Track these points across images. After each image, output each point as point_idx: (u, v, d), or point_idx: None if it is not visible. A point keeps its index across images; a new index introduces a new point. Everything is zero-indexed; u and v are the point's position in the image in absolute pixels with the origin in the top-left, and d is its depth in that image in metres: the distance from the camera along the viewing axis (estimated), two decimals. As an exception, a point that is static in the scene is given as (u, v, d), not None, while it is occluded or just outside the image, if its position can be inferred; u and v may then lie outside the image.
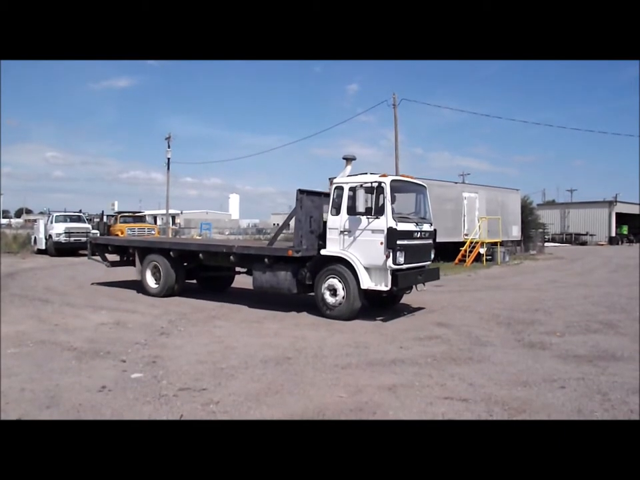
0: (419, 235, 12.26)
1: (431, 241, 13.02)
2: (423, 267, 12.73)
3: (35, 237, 34.74)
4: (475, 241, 27.71)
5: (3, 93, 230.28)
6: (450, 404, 6.25)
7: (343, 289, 11.69)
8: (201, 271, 16.09)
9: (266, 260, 12.72)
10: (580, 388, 6.87)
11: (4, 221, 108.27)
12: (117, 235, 31.65)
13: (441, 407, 6.15)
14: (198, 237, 36.18)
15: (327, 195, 12.63)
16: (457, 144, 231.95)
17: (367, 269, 11.56)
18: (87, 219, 37.80)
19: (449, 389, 6.85)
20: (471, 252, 27.17)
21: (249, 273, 14.43)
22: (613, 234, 69.93)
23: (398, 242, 11.20)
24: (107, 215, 39.49)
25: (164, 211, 62.72)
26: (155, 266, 15.33)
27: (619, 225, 71.53)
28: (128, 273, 17.36)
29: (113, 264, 17.62)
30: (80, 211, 38.70)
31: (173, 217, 69.78)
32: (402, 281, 11.44)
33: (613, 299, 15.34)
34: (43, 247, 32.15)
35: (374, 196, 11.84)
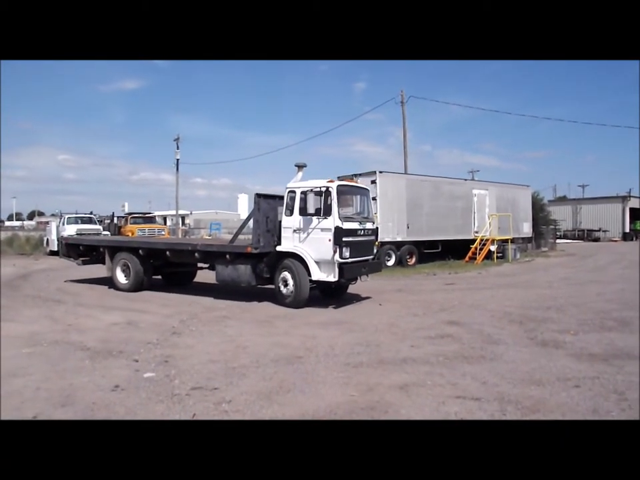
0: (362, 233, 13.94)
1: (373, 238, 14.84)
2: (367, 260, 14.26)
3: (47, 239, 34.95)
4: (485, 238, 27.59)
5: (15, 97, 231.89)
6: (462, 403, 6.21)
7: (292, 280, 13.25)
8: (167, 267, 17.41)
9: (227, 256, 14.24)
10: (595, 387, 6.78)
11: (17, 223, 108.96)
12: (128, 235, 31.73)
13: (453, 406, 6.12)
14: (208, 237, 36.18)
15: (282, 197, 13.97)
16: (466, 141, 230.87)
17: (317, 262, 13.17)
18: (98, 221, 37.97)
19: (461, 387, 6.81)
20: (481, 249, 27.07)
21: (211, 268, 15.70)
22: (627, 230, 69.13)
23: (344, 239, 12.84)
24: (118, 216, 39.64)
25: (173, 212, 62.94)
26: (124, 263, 16.55)
27: (632, 220, 70.49)
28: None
29: (84, 262, 18.43)
30: (91, 213, 38.89)
31: (183, 218, 69.94)
32: (347, 272, 13.17)
33: (627, 295, 15.13)
34: (55, 249, 32.33)
35: (322, 199, 12.93)
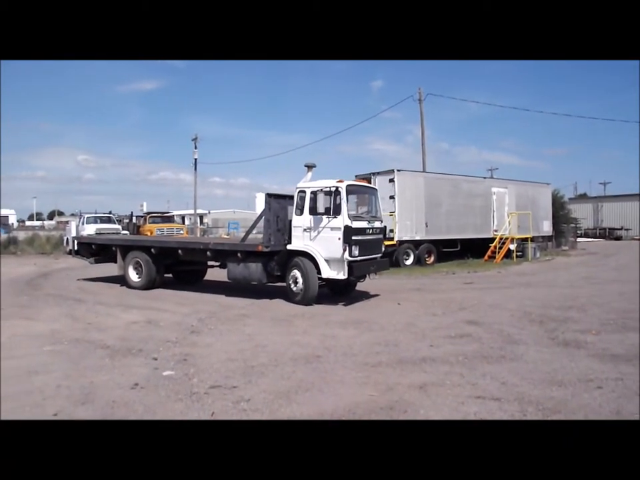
0: (370, 231, 14.27)
1: (381, 236, 15.13)
2: (375, 258, 14.57)
3: (67, 238, 35.21)
4: (504, 236, 27.39)
5: (35, 98, 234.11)
6: (482, 403, 6.17)
7: (302, 278, 13.51)
8: (178, 266, 17.58)
9: (239, 254, 14.50)
10: (618, 389, 6.68)
11: (37, 223, 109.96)
12: (147, 235, 31.90)
13: (473, 406, 6.08)
14: (226, 236, 36.30)
15: (292, 197, 14.36)
16: (484, 138, 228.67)
17: (327, 260, 13.48)
18: (117, 220, 38.23)
19: (480, 388, 6.76)
20: (500, 248, 26.89)
21: (221, 266, 16.24)
22: (650, 227, 68.02)
23: (353, 237, 13.14)
24: (136, 216, 39.88)
25: (192, 211, 63.24)
26: (136, 262, 16.83)
27: (656, 218, 69.40)
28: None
29: (97, 261, 18.81)
30: (110, 212, 39.17)
31: (201, 217, 70.14)
32: (357, 270, 13.50)
33: (649, 295, 14.87)
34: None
35: (332, 198, 13.26)
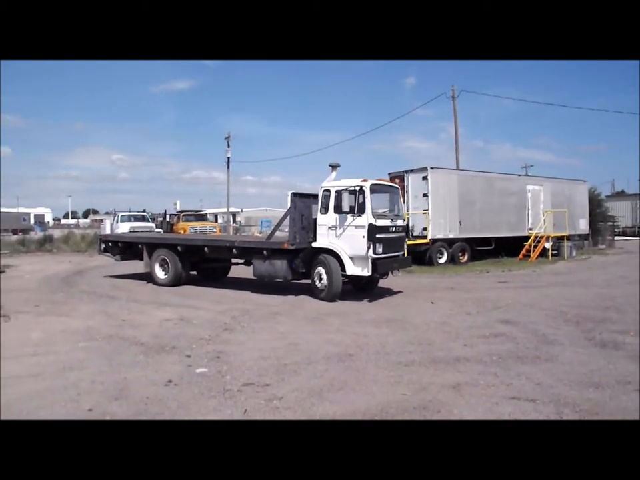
0: (393, 230, 14.62)
1: (403, 234, 15.64)
2: (397, 255, 15.01)
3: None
4: (539, 235, 27.01)
5: (69, 99, 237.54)
6: (517, 404, 6.09)
7: (327, 275, 13.88)
8: (203, 263, 17.90)
9: (264, 252, 14.88)
10: (656, 390, 6.54)
11: (72, 221, 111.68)
12: (180, 233, 32.16)
13: (507, 407, 6.01)
14: (258, 234, 36.46)
15: (316, 196, 14.76)
16: (519, 135, 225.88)
17: (351, 258, 13.84)
18: (151, 218, 38.69)
19: (515, 388, 6.68)
20: (535, 247, 26.51)
21: (246, 264, 16.91)
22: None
23: (377, 235, 13.50)
24: (170, 214, 40.22)
25: (224, 209, 63.58)
26: (163, 259, 17.22)
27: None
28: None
29: (122, 258, 19.16)
30: (144, 211, 39.75)
31: (234, 215, 70.49)
32: (380, 267, 13.82)
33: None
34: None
35: (356, 197, 13.59)
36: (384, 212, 14.74)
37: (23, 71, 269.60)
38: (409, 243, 22.37)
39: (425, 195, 23.60)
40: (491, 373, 7.32)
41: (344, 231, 13.88)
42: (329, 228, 14.14)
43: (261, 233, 51.02)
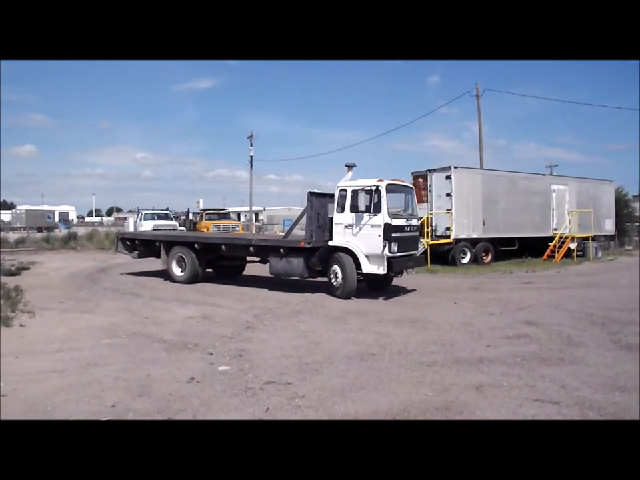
0: (408, 229, 14.88)
1: (418, 233, 15.92)
2: (412, 254, 15.18)
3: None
4: (564, 235, 26.72)
5: (95, 98, 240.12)
6: (540, 406, 6.03)
7: (342, 273, 14.13)
8: (219, 261, 18.16)
9: (281, 250, 15.09)
10: (683, 394, 6.42)
11: (96, 219, 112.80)
12: (203, 231, 32.30)
13: (531, 409, 5.95)
14: (281, 233, 36.59)
15: (332, 195, 15.10)
16: (543, 134, 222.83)
17: (367, 256, 14.07)
18: (174, 217, 38.84)
19: (539, 390, 6.61)
20: (560, 247, 26.24)
21: (262, 262, 17.02)
22: None
23: (392, 234, 13.75)
24: (193, 213, 40.41)
25: (247, 208, 63.79)
26: (180, 257, 17.42)
27: None
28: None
29: (139, 256, 19.36)
30: (167, 209, 39.94)
31: (256, 214, 70.72)
32: (396, 265, 14.11)
33: None
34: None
35: (372, 197, 13.86)
36: (399, 211, 14.97)
37: (49, 70, 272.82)
38: (432, 242, 22.37)
39: (449, 195, 23.49)
40: (514, 375, 7.26)
41: (360, 229, 14.16)
42: (345, 227, 14.41)
43: (283, 231, 51.23)
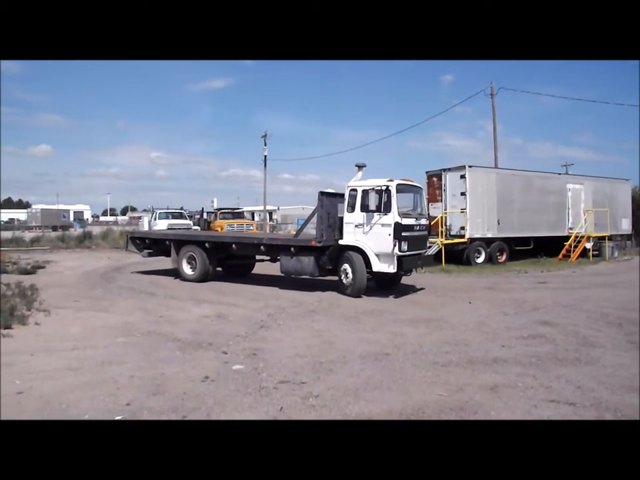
0: (417, 228, 15.11)
1: (426, 233, 16.18)
2: (420, 253, 15.51)
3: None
4: (580, 235, 26.56)
5: (111, 98, 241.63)
6: (556, 407, 5.98)
7: (352, 271, 14.36)
8: (229, 259, 18.44)
9: (292, 249, 15.29)
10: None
11: (111, 218, 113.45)
12: (217, 230, 32.34)
13: (547, 409, 5.91)
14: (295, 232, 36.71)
15: (342, 195, 15.39)
16: (559, 133, 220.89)
17: (377, 255, 14.30)
18: (188, 216, 38.91)
19: (554, 391, 6.57)
20: (575, 247, 26.09)
21: (272, 260, 17.28)
22: None
23: (402, 233, 14.00)
24: (207, 212, 40.45)
25: (261, 207, 63.79)
26: (190, 256, 17.62)
27: None
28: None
29: (149, 254, 19.48)
30: (181, 208, 39.97)
31: (270, 213, 70.72)
32: (406, 264, 14.36)
33: None
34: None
35: (382, 196, 14.12)
36: (409, 211, 15.13)
37: (64, 70, 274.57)
38: (446, 242, 22.30)
39: (463, 194, 23.40)
40: (529, 375, 7.22)
41: (370, 228, 14.36)
42: (356, 226, 14.61)
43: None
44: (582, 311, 12.24)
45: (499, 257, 24.32)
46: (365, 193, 14.46)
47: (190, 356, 8.19)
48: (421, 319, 11.31)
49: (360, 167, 15.56)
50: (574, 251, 25.87)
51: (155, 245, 19.29)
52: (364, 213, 14.48)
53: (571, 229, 27.26)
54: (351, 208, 14.82)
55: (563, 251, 26.10)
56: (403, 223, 14.15)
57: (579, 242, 26.25)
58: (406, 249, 14.13)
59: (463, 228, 23.32)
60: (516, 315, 11.87)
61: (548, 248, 26.17)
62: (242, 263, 19.19)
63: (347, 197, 15.04)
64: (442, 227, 23.10)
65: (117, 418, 5.57)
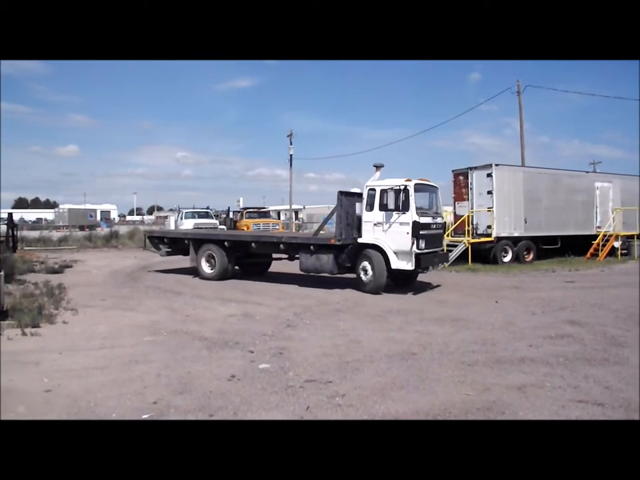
0: (434, 227, 15.54)
1: (442, 231, 16.62)
2: (437, 251, 15.94)
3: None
4: (608, 233, 26.24)
5: (137, 98, 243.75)
6: (584, 408, 5.93)
7: (372, 269, 14.65)
8: (247, 258, 18.78)
9: (311, 247, 15.62)
10: None
11: (137, 217, 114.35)
12: (244, 229, 32.46)
13: (575, 410, 5.86)
14: (322, 232, 36.75)
15: (360, 194, 15.77)
16: (587, 130, 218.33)
17: (395, 253, 14.65)
18: (214, 215, 39.05)
19: (582, 391, 6.51)
20: (604, 246, 25.77)
21: (289, 259, 17.90)
22: None
23: (420, 232, 14.40)
24: (233, 211, 40.59)
25: (287, 207, 63.90)
26: (209, 254, 17.90)
27: None
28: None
29: (168, 253, 19.80)
30: (207, 208, 40.10)
31: (296, 212, 70.70)
32: (423, 261, 14.81)
33: None
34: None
35: (401, 196, 14.53)
36: (425, 210, 15.50)
37: (91, 71, 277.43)
38: (473, 241, 22.19)
39: (490, 192, 23.24)
40: (557, 375, 7.16)
41: (389, 227, 14.75)
42: (374, 224, 15.01)
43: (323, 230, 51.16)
44: (610, 310, 12.09)
45: (526, 256, 24.12)
46: (384, 192, 14.86)
47: (216, 355, 8.24)
48: (448, 318, 11.26)
49: (378, 167, 15.90)
50: (602, 250, 25.57)
51: (173, 244, 19.58)
52: (382, 212, 14.86)
53: (598, 227, 26.92)
54: (370, 207, 15.19)
55: (591, 250, 25.81)
56: (421, 221, 14.54)
57: (607, 241, 25.92)
58: (423, 247, 14.57)
59: (489, 227, 23.17)
60: (543, 314, 11.78)
61: (575, 247, 25.89)
62: (259, 262, 19.51)
63: (365, 196, 15.38)
64: (468, 225, 23.05)
65: (144, 416, 5.63)
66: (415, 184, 14.89)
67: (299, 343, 8.98)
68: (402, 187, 14.58)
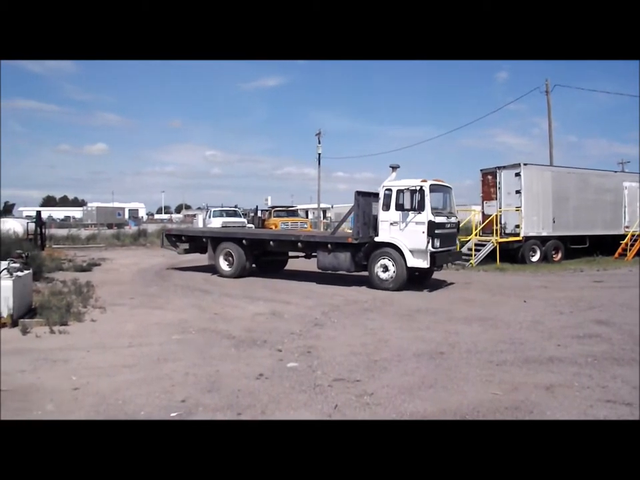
0: (448, 226, 16.00)
1: (456, 230, 16.99)
2: (451, 249, 16.44)
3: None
4: (636, 233, 25.89)
5: (166, 98, 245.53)
6: (612, 407, 5.93)
7: (394, 266, 15.12)
8: (264, 256, 19.05)
9: (329, 245, 16.02)
10: None
11: (165, 216, 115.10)
12: (272, 228, 32.51)
13: (603, 409, 5.87)
14: (349, 230, 36.72)
15: (376, 194, 16.10)
16: (614, 130, 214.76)
17: (411, 251, 15.04)
18: (243, 214, 39.15)
19: (611, 391, 6.50)
20: (632, 245, 25.45)
21: (307, 257, 18.49)
22: None
23: (435, 231, 14.82)
24: (261, 210, 40.67)
25: (315, 205, 63.91)
26: (227, 252, 18.21)
27: None
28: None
29: (186, 251, 20.05)
30: (236, 206, 40.30)
31: (324, 211, 70.73)
32: (438, 260, 15.32)
33: None
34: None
35: (416, 196, 14.94)
36: (440, 209, 15.93)
37: (122, 70, 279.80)
38: (501, 240, 22.13)
39: (518, 192, 23.10)
40: (585, 375, 7.16)
41: (405, 226, 15.16)
42: (391, 224, 15.41)
43: (350, 228, 51.11)
44: (638, 310, 11.98)
45: (554, 256, 23.95)
46: (400, 192, 15.30)
47: (244, 353, 8.33)
48: (476, 317, 11.27)
49: (394, 167, 16.33)
50: (630, 250, 25.28)
51: (191, 242, 19.80)
52: (399, 212, 15.26)
53: (627, 227, 26.61)
54: (386, 207, 15.55)
55: (619, 250, 25.51)
56: (436, 221, 14.94)
57: (636, 240, 25.60)
58: (438, 245, 14.99)
59: (517, 226, 23.04)
60: (571, 313, 11.72)
61: (604, 246, 25.63)
62: (276, 259, 19.83)
63: (382, 196, 15.73)
64: (496, 225, 22.98)
65: (172, 414, 5.71)
66: (430, 184, 15.32)
67: (327, 342, 9.05)
68: (417, 188, 15.00)
